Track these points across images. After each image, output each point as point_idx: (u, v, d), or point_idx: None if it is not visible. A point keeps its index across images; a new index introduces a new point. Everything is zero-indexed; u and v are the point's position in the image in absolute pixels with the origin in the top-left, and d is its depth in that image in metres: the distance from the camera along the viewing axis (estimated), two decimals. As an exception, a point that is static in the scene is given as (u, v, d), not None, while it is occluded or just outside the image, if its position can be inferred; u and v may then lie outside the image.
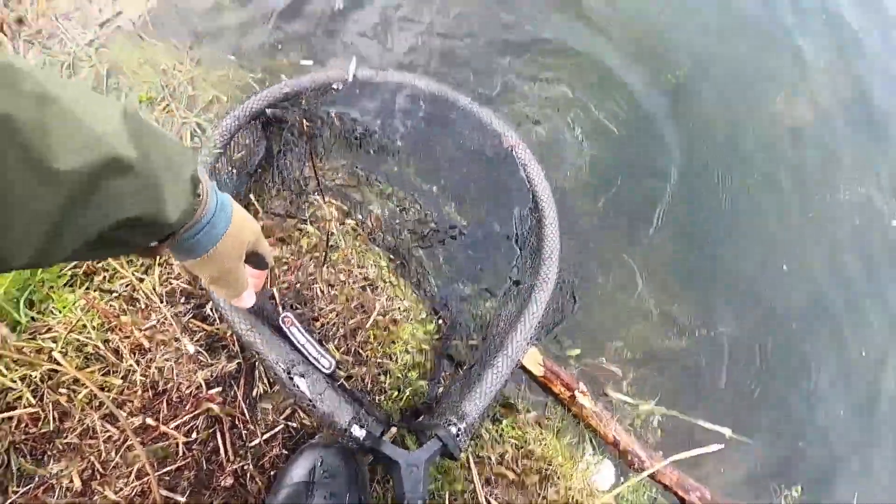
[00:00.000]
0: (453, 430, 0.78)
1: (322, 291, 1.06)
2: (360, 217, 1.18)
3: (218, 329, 0.95)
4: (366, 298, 1.05)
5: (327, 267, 1.09)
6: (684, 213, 1.45)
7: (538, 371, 1.23)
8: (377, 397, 0.99)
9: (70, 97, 0.35)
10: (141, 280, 0.96)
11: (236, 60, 1.39)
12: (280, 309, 0.97)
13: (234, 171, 1.12)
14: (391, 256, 1.20)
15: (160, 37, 1.38)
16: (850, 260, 1.53)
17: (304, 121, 1.19)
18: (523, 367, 1.24)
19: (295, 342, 0.83)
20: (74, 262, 0.94)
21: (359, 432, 0.76)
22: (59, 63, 1.30)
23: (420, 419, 0.98)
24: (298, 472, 0.82)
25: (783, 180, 1.59)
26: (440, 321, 1.14)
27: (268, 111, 1.17)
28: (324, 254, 1.09)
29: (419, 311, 1.12)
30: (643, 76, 1.63)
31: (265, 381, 0.94)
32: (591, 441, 1.16)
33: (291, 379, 0.74)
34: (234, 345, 0.94)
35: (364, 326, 1.00)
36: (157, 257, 0.60)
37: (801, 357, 1.36)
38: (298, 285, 1.03)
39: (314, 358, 0.82)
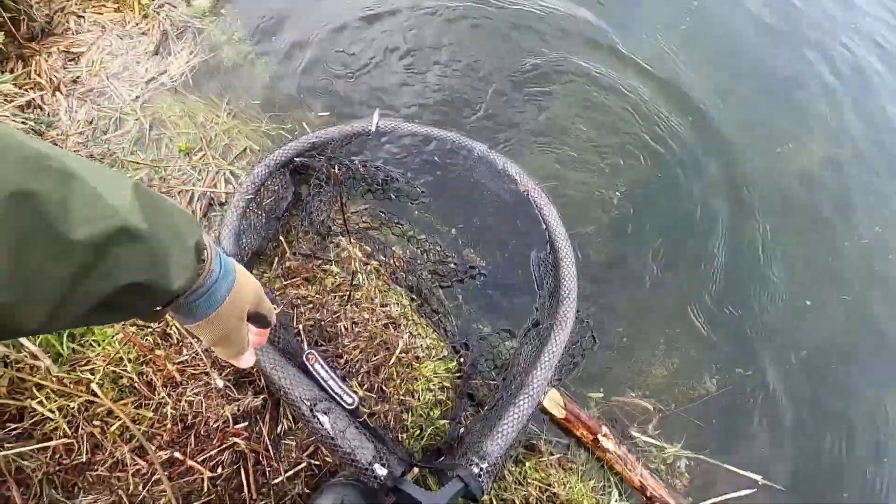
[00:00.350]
0: (475, 469, 0.77)
1: (346, 329, 1.08)
2: (382, 258, 1.22)
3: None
4: (389, 336, 1.07)
5: (351, 305, 1.12)
6: (715, 256, 1.47)
7: (559, 413, 1.21)
8: (399, 435, 0.98)
9: (88, 173, 0.38)
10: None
11: (265, 113, 1.50)
12: (304, 346, 0.99)
13: (264, 215, 1.18)
14: (412, 296, 1.23)
15: (200, 93, 1.50)
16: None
17: (332, 168, 1.26)
18: (544, 410, 1.23)
19: (319, 379, 0.85)
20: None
21: (381, 471, 0.76)
22: (108, 118, 1.42)
23: (442, 459, 0.97)
24: (320, 511, 0.82)
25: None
26: (461, 360, 1.15)
27: (296, 160, 1.25)
28: (348, 292, 1.12)
29: (440, 350, 1.13)
30: (677, 124, 1.71)
31: (289, 417, 0.94)
32: (616, 486, 1.12)
33: (315, 416, 0.74)
34: (259, 380, 0.96)
35: (387, 363, 1.02)
36: (161, 321, 0.61)
37: (835, 399, 1.33)
38: (323, 323, 1.05)
39: (337, 394, 0.83)
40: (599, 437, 1.18)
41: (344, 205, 1.28)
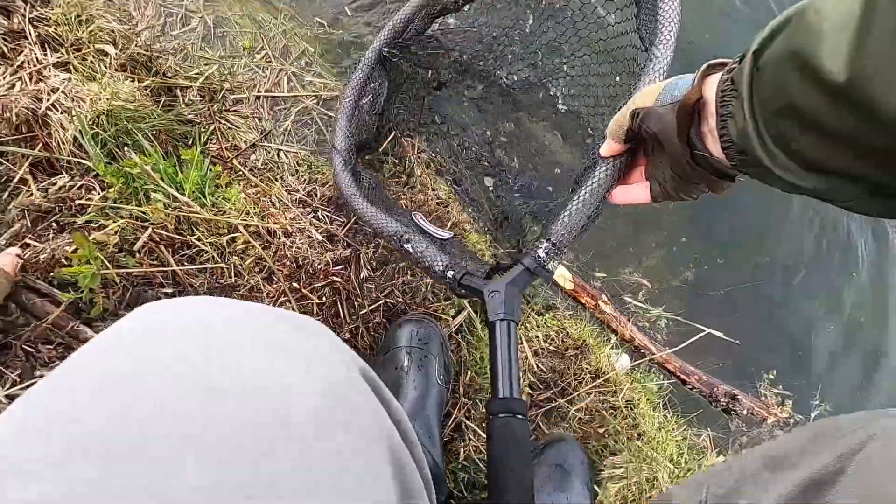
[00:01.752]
0: (541, 251, 0.76)
1: (406, 206, 1.33)
2: (436, 149, 1.44)
3: (330, 228, 1.23)
4: (441, 212, 1.33)
5: (407, 188, 1.36)
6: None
7: (568, 286, 1.52)
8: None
9: None
10: (270, 187, 1.23)
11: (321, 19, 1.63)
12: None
13: (366, 114, 1.25)
14: (455, 185, 1.47)
15: (258, -6, 1.62)
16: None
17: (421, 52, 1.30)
18: (556, 283, 1.53)
19: (422, 226, 1.11)
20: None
21: (450, 273, 0.87)
22: (175, 14, 1.54)
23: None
24: (400, 338, 1.10)
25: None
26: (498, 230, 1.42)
27: (384, 51, 1.25)
28: (406, 176, 1.36)
29: (480, 225, 1.39)
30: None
31: (369, 266, 1.22)
32: (612, 336, 1.45)
33: (402, 246, 0.99)
34: (344, 239, 1.22)
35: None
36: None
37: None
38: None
39: (435, 232, 1.09)
40: (599, 302, 1.50)
41: (424, 98, 1.43)
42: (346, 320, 1.15)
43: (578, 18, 1.15)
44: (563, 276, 1.52)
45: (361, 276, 1.21)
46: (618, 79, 1.02)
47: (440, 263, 0.90)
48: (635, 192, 0.66)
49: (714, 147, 0.48)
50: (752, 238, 1.71)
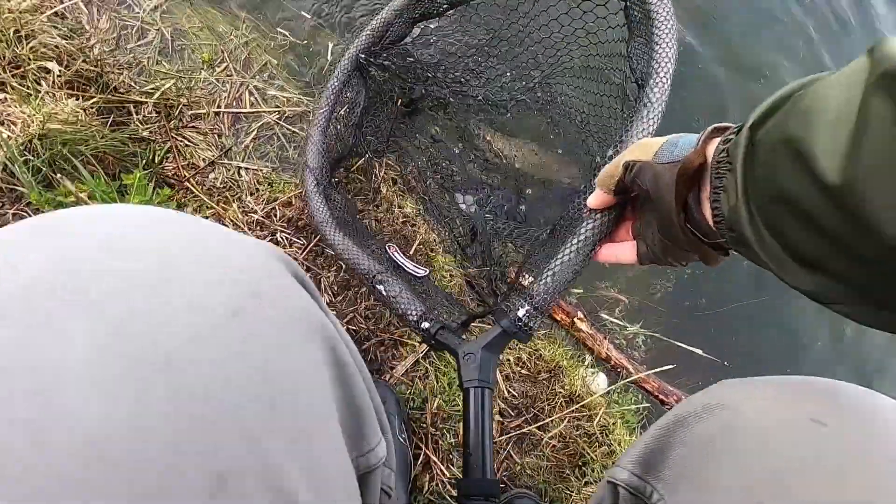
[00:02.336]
0: (521, 312, 0.70)
1: (370, 227, 1.27)
2: (405, 164, 1.39)
3: (289, 252, 1.17)
4: (407, 231, 1.27)
5: (373, 206, 1.31)
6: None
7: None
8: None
9: None
10: (225, 210, 1.17)
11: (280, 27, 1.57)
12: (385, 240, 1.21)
13: (342, 126, 1.16)
14: (425, 199, 1.41)
15: (218, 5, 1.55)
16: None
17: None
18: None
19: (397, 261, 1.04)
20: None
21: (426, 326, 0.83)
22: (130, 27, 1.47)
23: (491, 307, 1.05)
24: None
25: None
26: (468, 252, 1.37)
27: (361, 57, 1.14)
28: (372, 193, 1.30)
29: (448, 245, 1.34)
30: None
31: (330, 292, 1.16)
32: (588, 356, 1.41)
33: (374, 287, 0.92)
34: (304, 262, 1.16)
35: (409, 252, 1.22)
36: None
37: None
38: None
39: (412, 269, 1.02)
40: (575, 319, 1.45)
41: (395, 117, 1.36)
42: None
43: (560, 34, 1.08)
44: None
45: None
46: (605, 99, 0.96)
47: (414, 312, 0.84)
48: (622, 251, 0.62)
49: (708, 216, 0.45)
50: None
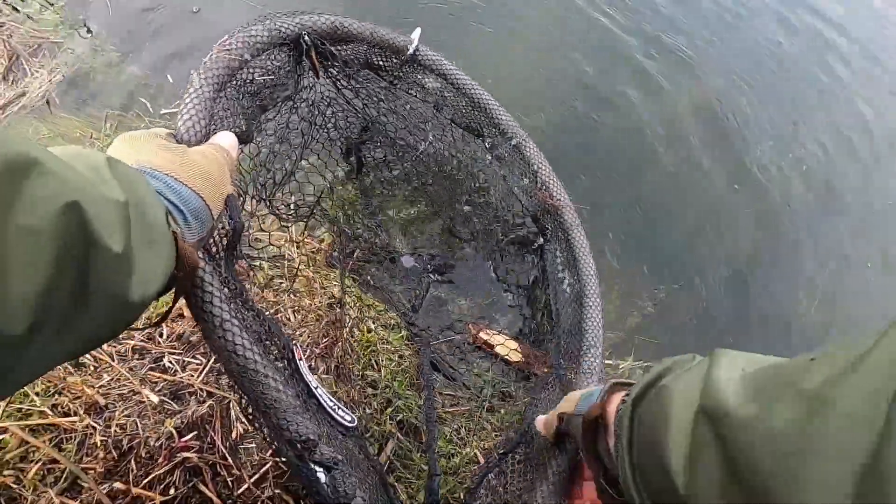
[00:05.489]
0: None
1: (289, 319, 1.02)
2: (315, 241, 1.16)
3: (182, 378, 0.88)
4: (335, 314, 1.02)
5: (289, 295, 1.06)
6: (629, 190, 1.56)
7: (515, 357, 1.23)
8: (365, 410, 0.94)
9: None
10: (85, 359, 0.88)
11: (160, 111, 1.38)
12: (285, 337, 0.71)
13: (245, 98, 0.75)
14: (352, 276, 1.18)
15: (73, 109, 1.34)
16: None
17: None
18: (503, 359, 1.24)
19: (310, 385, 0.63)
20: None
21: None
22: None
23: None
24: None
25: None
26: (412, 327, 1.13)
27: (306, 37, 0.84)
28: (291, 282, 1.06)
29: (388, 318, 1.10)
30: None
31: (242, 420, 0.87)
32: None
33: (312, 469, 0.54)
34: (201, 390, 0.87)
35: (341, 339, 0.97)
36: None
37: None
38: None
39: (332, 408, 0.64)
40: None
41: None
42: (217, 512, 0.77)
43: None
44: (508, 347, 1.24)
45: (233, 435, 0.85)
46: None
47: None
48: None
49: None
50: (701, 240, 1.54)
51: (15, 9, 1.49)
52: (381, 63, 1.01)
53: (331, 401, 0.66)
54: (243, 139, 0.71)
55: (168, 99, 1.42)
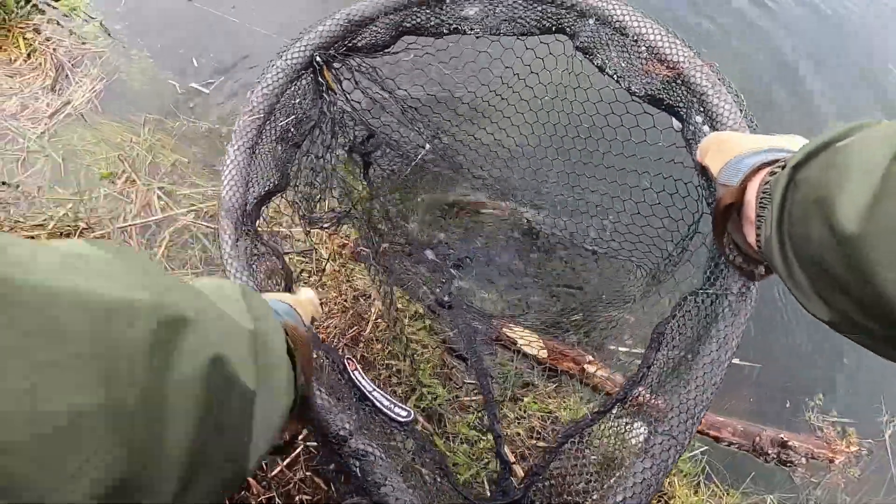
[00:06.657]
0: None
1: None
2: (342, 237, 1.20)
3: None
4: (360, 307, 1.06)
5: (316, 289, 1.10)
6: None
7: (542, 354, 1.23)
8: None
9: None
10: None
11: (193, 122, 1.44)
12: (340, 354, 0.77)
13: (278, 144, 0.78)
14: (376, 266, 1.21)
15: (113, 115, 1.42)
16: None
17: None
18: (527, 355, 1.24)
19: (364, 389, 0.67)
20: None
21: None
22: (16, 160, 1.32)
23: None
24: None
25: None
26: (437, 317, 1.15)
27: (317, 57, 0.82)
28: (320, 275, 1.10)
29: (412, 309, 1.12)
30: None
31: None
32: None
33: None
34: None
35: (365, 331, 1.00)
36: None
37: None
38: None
39: (387, 406, 0.67)
40: (585, 366, 1.21)
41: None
42: (255, 495, 0.82)
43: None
44: (532, 342, 1.25)
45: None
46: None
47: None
48: None
49: (752, 241, 0.47)
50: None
51: (59, 24, 1.59)
52: (414, 22, 0.88)
53: (387, 400, 0.70)
54: (281, 188, 0.77)
55: (203, 101, 1.48)
